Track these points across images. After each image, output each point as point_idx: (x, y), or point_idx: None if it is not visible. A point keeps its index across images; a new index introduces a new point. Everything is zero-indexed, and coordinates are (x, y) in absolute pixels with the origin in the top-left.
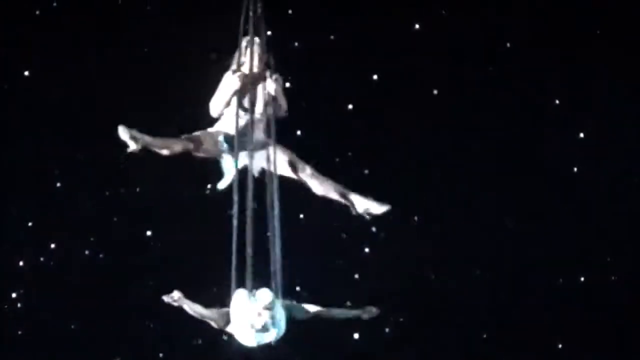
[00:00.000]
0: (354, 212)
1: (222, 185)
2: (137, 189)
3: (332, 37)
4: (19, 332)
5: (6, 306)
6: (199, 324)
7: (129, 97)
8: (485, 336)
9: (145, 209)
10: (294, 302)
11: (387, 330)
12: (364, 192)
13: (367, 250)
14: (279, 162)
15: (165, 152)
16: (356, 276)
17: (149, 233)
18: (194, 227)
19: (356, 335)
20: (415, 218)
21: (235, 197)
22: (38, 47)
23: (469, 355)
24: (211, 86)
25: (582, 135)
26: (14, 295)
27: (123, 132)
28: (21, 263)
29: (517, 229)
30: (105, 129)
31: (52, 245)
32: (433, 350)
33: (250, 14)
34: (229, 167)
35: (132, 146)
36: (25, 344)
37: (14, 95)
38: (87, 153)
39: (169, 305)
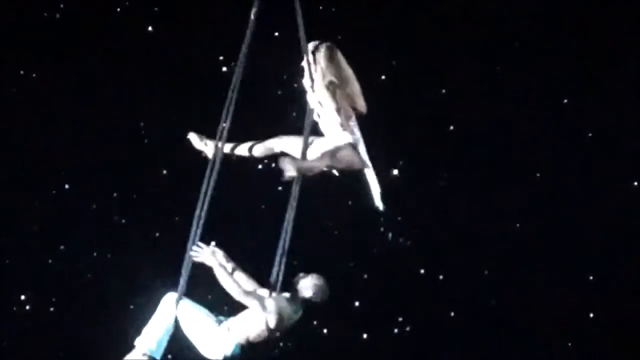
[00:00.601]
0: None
1: (378, 203)
2: (145, 191)
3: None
4: (27, 334)
5: (15, 308)
6: None
7: (137, 100)
8: (493, 336)
9: (154, 211)
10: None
11: (395, 330)
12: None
13: (375, 250)
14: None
15: (245, 154)
16: (365, 276)
17: (157, 234)
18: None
19: (365, 335)
20: (423, 220)
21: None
22: (43, 49)
23: (476, 355)
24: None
25: (590, 134)
26: (22, 297)
27: (195, 140)
28: (30, 265)
29: (525, 229)
30: (113, 130)
31: (61, 247)
32: (440, 351)
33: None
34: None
35: (209, 153)
36: (33, 345)
37: (21, 97)
38: (95, 155)
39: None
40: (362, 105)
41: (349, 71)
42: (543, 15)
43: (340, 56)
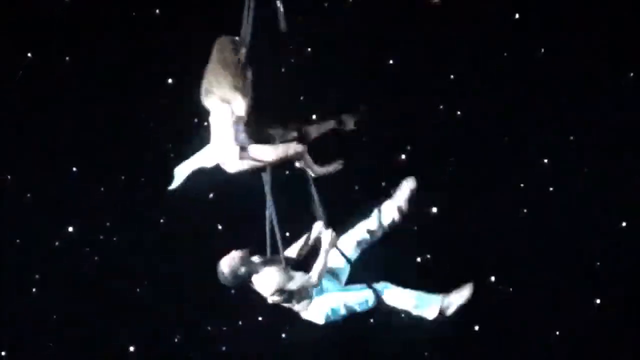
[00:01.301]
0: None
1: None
2: (153, 174)
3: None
4: (34, 317)
5: (21, 290)
6: (215, 308)
7: (142, 85)
8: (502, 323)
9: (161, 194)
10: None
11: (401, 316)
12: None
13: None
14: None
15: None
16: (372, 262)
17: (163, 219)
18: (207, 213)
19: (371, 320)
20: (434, 210)
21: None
22: (48, 42)
23: (485, 341)
24: None
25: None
26: (29, 279)
27: None
28: (37, 247)
29: (533, 216)
30: (121, 113)
31: (69, 229)
32: (448, 338)
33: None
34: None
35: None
36: (40, 328)
37: (29, 83)
38: (103, 137)
39: (183, 290)
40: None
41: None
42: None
43: (221, 54)
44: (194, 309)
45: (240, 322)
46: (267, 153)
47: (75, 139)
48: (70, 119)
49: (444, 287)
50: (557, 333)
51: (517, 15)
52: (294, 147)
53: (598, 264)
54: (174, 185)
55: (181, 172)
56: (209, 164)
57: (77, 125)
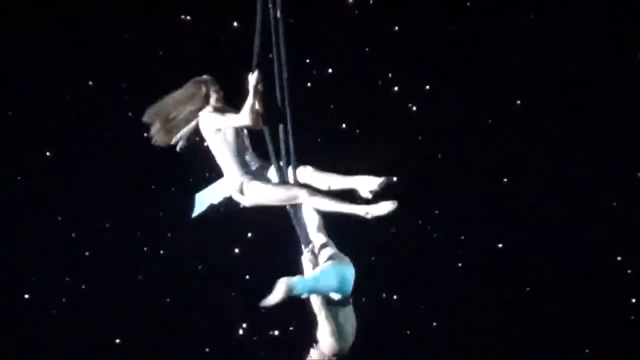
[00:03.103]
0: (363, 195)
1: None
2: (182, 184)
3: None
4: (63, 324)
5: (50, 301)
6: (244, 318)
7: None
8: (530, 329)
9: (189, 204)
10: None
11: (434, 324)
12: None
13: (412, 242)
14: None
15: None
16: (401, 268)
17: (194, 227)
18: (237, 220)
19: (399, 328)
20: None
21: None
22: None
23: (512, 345)
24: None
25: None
26: (58, 290)
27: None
28: (66, 258)
29: (562, 222)
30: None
31: (105, 239)
32: (475, 343)
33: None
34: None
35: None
36: (70, 339)
37: (63, 93)
38: (132, 146)
39: (209, 298)
40: None
41: None
42: None
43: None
44: (223, 318)
45: (271, 332)
46: (265, 193)
47: (104, 148)
48: (104, 127)
49: (473, 297)
50: (592, 345)
51: None
52: (295, 191)
53: (629, 271)
54: (196, 213)
55: (202, 201)
56: (224, 194)
57: (107, 137)
